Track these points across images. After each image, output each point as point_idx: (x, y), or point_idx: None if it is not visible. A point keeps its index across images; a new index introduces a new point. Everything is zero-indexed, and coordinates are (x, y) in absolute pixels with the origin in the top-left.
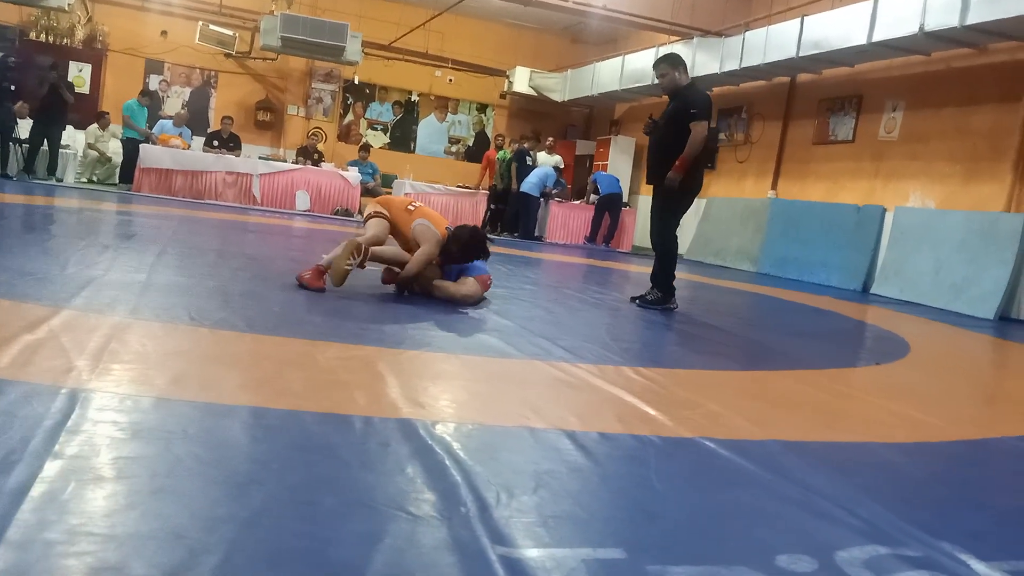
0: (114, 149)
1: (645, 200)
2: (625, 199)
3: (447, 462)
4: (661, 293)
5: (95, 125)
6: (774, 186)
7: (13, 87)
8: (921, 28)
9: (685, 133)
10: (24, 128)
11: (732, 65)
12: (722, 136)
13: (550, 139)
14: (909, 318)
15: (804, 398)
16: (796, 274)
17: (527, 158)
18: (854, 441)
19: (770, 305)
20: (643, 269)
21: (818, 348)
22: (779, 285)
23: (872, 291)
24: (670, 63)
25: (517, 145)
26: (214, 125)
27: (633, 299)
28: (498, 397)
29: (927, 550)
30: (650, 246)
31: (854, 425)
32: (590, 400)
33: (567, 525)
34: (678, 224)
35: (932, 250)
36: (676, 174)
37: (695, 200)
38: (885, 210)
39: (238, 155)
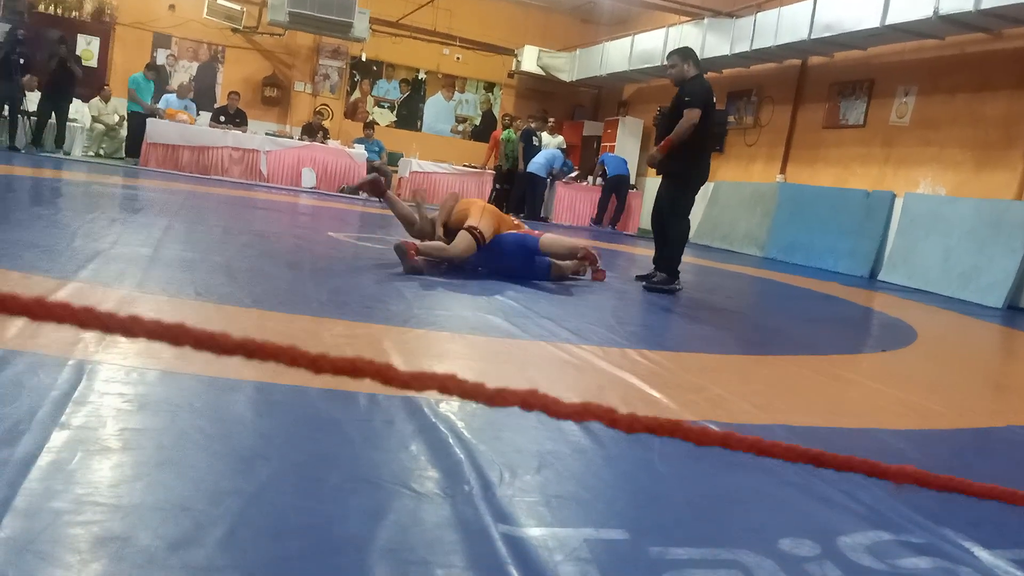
0: (117, 122)
1: (652, 182)
2: (632, 181)
3: (451, 440)
4: (666, 275)
5: (97, 98)
6: (783, 170)
7: (22, 60)
8: (935, 12)
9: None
10: (32, 101)
11: (743, 47)
12: (731, 119)
13: (551, 120)
14: (917, 306)
15: (809, 384)
16: (803, 259)
17: (534, 138)
18: (859, 427)
19: (777, 290)
20: (648, 251)
21: (824, 334)
22: (786, 270)
23: (880, 278)
24: (680, 55)
25: (524, 125)
26: (221, 100)
27: (639, 278)
28: (502, 377)
29: (930, 537)
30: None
31: (859, 411)
32: (595, 382)
33: (570, 505)
34: (690, 210)
35: (941, 238)
36: (659, 153)
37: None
38: (895, 196)
39: (244, 131)
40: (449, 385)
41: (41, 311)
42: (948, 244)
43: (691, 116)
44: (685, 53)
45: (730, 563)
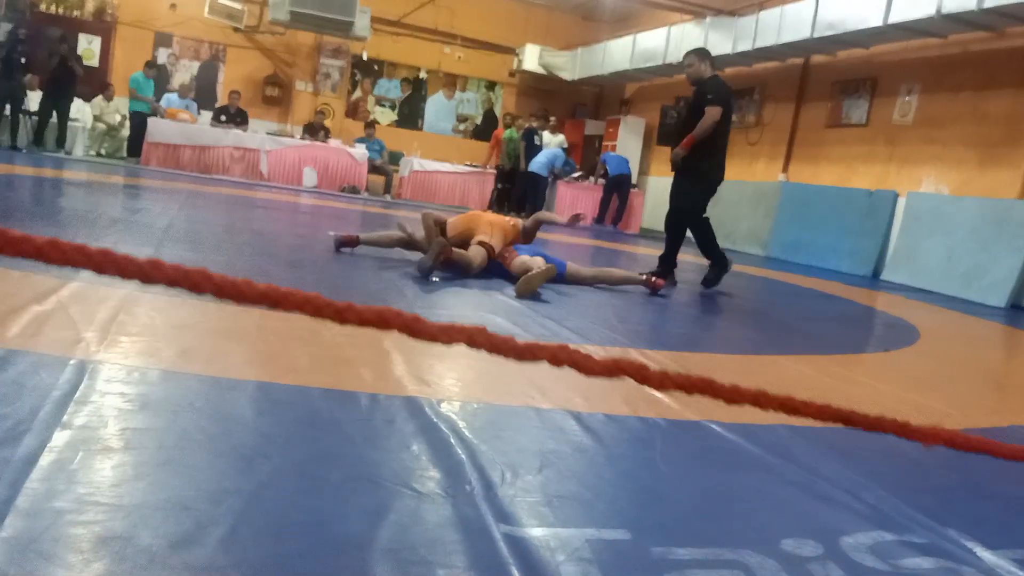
0: (119, 122)
1: (655, 181)
2: (634, 180)
3: (452, 440)
4: (718, 268)
5: (100, 97)
6: (785, 169)
7: (24, 59)
8: (938, 10)
9: (700, 118)
10: (33, 100)
11: (745, 46)
12: (734, 118)
13: (552, 119)
14: (919, 305)
15: (812, 383)
16: (806, 259)
17: (535, 137)
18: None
19: (779, 289)
20: (650, 251)
21: (827, 333)
22: (788, 270)
23: (882, 277)
24: (697, 55)
25: (526, 124)
26: (222, 100)
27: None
28: (504, 377)
29: (933, 537)
30: (662, 229)
31: (863, 411)
32: (596, 381)
33: (572, 505)
34: (698, 207)
35: (944, 237)
36: (682, 150)
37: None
38: (897, 195)
39: (245, 130)
40: (478, 339)
41: (56, 254)
42: (951, 243)
43: (713, 113)
44: (702, 53)
45: (732, 563)
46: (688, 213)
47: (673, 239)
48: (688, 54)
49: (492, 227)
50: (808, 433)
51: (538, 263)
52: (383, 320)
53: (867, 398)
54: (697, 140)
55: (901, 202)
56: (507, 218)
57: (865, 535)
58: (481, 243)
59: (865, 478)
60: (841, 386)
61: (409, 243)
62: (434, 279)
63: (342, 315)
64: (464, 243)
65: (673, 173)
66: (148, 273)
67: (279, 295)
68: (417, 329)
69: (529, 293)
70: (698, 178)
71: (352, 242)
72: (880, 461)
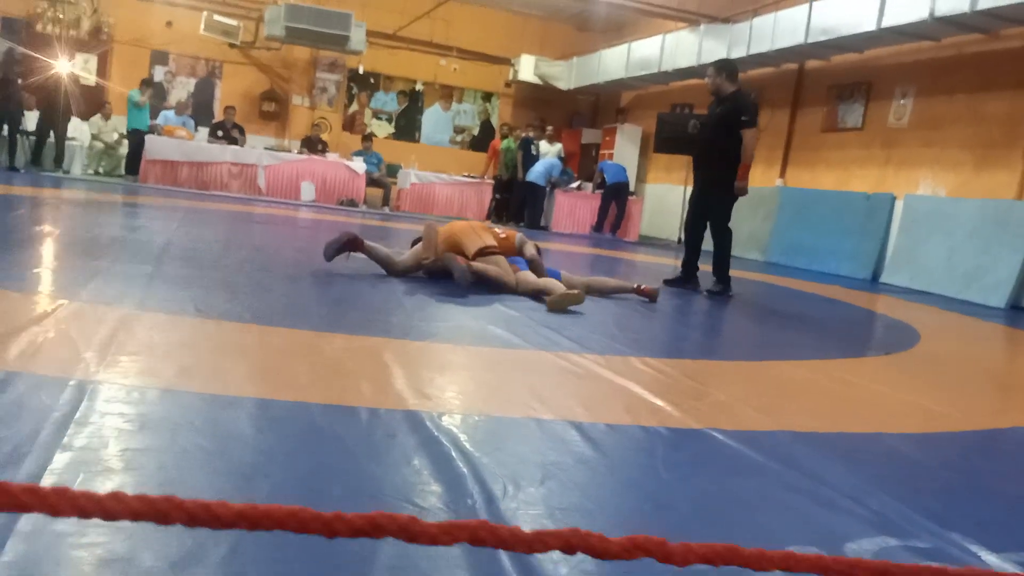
0: (116, 140)
1: (652, 188)
2: (632, 188)
3: (453, 453)
4: (723, 285)
5: (98, 116)
6: (782, 174)
7: (20, 80)
8: (931, 13)
9: (732, 136)
10: (30, 120)
11: (740, 52)
12: None
13: (550, 128)
14: (919, 307)
15: (814, 388)
16: (805, 263)
17: (532, 147)
18: (864, 431)
19: (779, 294)
20: (649, 258)
21: (828, 338)
22: (788, 274)
23: (882, 280)
24: (716, 68)
25: (522, 133)
26: (219, 116)
27: (667, 282)
28: (504, 388)
29: (937, 541)
30: (664, 236)
31: (864, 415)
32: (597, 391)
33: (574, 516)
34: (729, 219)
35: (943, 238)
36: (743, 183)
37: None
38: (895, 198)
39: (242, 146)
40: (482, 534)
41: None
42: (951, 245)
43: (753, 135)
44: (719, 66)
45: (735, 572)
46: (726, 224)
47: (721, 251)
48: (710, 66)
49: (480, 233)
50: (810, 439)
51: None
52: (377, 527)
53: (870, 403)
54: (749, 165)
55: (899, 205)
56: (495, 229)
57: (869, 541)
58: (488, 250)
59: (868, 483)
60: (843, 391)
61: (389, 262)
62: (435, 290)
63: (331, 527)
64: (458, 250)
65: (695, 186)
66: (109, 509)
67: (258, 514)
68: (415, 532)
69: (561, 310)
70: (731, 190)
71: (352, 245)
72: (883, 465)
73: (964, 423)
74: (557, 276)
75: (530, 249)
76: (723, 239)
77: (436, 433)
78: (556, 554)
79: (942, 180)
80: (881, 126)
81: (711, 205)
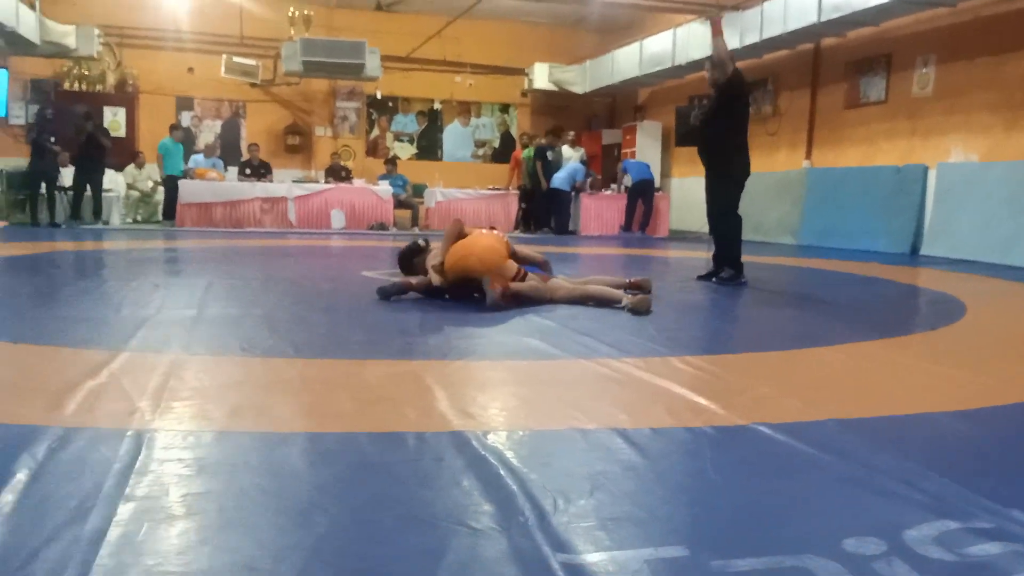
0: (151, 187)
1: (678, 183)
2: (657, 184)
3: (501, 472)
4: (733, 270)
5: (132, 165)
6: (808, 155)
7: (53, 138)
8: None
9: (728, 117)
10: (67, 176)
11: (753, 38)
12: (751, 110)
13: (571, 133)
14: (962, 277)
15: (859, 372)
16: (840, 243)
17: (548, 154)
18: (914, 413)
19: (815, 278)
20: (682, 253)
21: (869, 318)
22: (823, 256)
23: (921, 253)
24: (712, 62)
25: (537, 141)
26: (246, 154)
27: (700, 278)
28: (546, 401)
29: (999, 520)
30: (694, 229)
31: (913, 396)
32: (639, 395)
33: (626, 526)
34: (737, 204)
35: (979, 205)
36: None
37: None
38: (927, 168)
39: (271, 181)
40: None
41: None
42: (987, 211)
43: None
44: (716, 62)
45: (795, 570)
46: (732, 211)
47: (728, 239)
48: (705, 61)
49: (491, 252)
50: (859, 426)
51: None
52: None
53: (917, 382)
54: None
55: (931, 175)
56: (493, 234)
57: (929, 526)
58: (519, 276)
59: (922, 466)
60: (889, 373)
61: (426, 289)
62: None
63: None
64: (466, 276)
65: (705, 176)
66: None
67: None
68: None
69: (646, 311)
70: (730, 176)
71: (403, 289)
72: (935, 447)
73: (1016, 395)
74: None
75: (533, 254)
76: (729, 224)
77: (483, 452)
78: (610, 564)
79: (973, 146)
80: (905, 97)
81: (712, 190)
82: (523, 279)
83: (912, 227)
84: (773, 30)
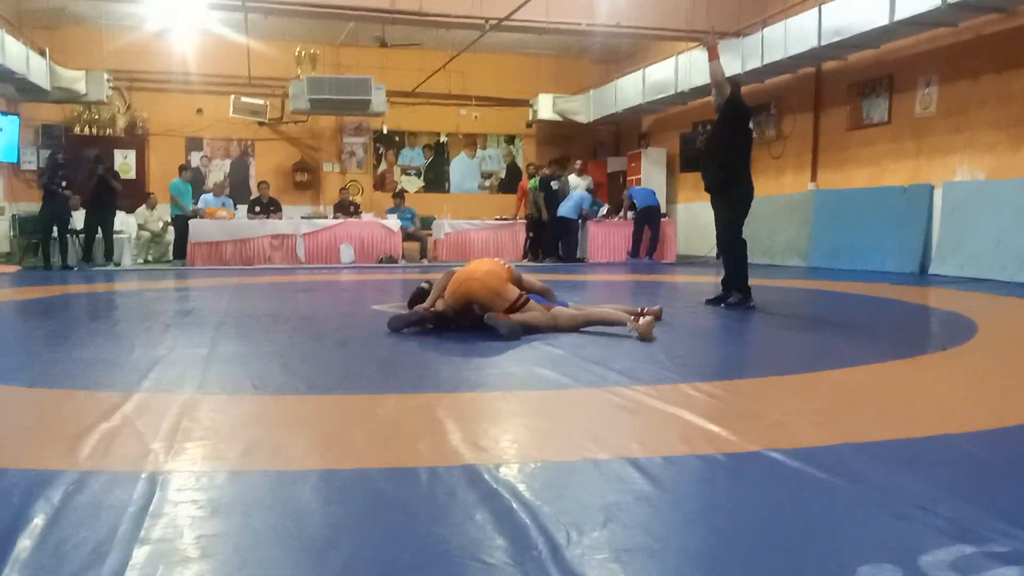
0: (162, 227)
1: (684, 209)
2: (663, 210)
3: (514, 505)
4: (741, 295)
5: (143, 207)
6: (813, 177)
7: (64, 183)
8: (944, 0)
9: (732, 136)
10: (78, 219)
11: (754, 63)
12: (754, 134)
13: (578, 162)
14: (973, 295)
15: (871, 395)
16: (849, 263)
17: (553, 184)
18: (928, 435)
19: (825, 299)
20: (690, 278)
21: (880, 340)
22: (832, 277)
23: (931, 272)
24: (716, 88)
25: (541, 172)
26: (256, 192)
27: (708, 302)
28: (558, 431)
29: (1015, 543)
30: (701, 254)
31: (927, 418)
32: (650, 424)
33: (641, 557)
34: (740, 228)
35: (988, 222)
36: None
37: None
38: (933, 187)
39: (280, 218)
40: None
41: None
42: (997, 227)
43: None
44: (715, 86)
45: None
46: (736, 235)
47: (734, 261)
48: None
49: (492, 276)
50: (873, 449)
51: (566, 310)
52: None
53: (931, 404)
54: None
55: (937, 194)
56: (494, 260)
57: (944, 551)
58: (519, 303)
59: (938, 489)
60: (902, 394)
61: (436, 319)
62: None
63: None
64: (469, 300)
65: (711, 202)
66: None
67: None
68: None
69: (649, 335)
70: (734, 200)
71: (414, 322)
72: (951, 470)
73: None
74: (566, 306)
75: (536, 283)
76: (734, 248)
77: (495, 486)
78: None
79: (979, 163)
80: (908, 117)
81: (725, 216)
82: (525, 304)
83: (920, 246)
84: (774, 55)
